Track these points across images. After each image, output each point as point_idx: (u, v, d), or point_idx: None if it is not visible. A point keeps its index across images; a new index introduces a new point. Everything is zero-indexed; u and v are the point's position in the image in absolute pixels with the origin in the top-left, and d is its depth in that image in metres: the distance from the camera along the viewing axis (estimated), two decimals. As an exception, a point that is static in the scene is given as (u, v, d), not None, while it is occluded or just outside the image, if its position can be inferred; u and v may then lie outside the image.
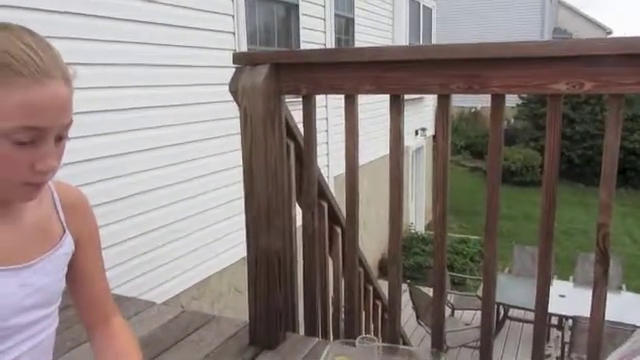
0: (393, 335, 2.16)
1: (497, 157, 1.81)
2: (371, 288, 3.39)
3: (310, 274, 2.36)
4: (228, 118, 3.52)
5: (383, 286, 2.99)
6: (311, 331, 2.38)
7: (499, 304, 5.94)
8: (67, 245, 1.04)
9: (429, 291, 5.16)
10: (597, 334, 1.78)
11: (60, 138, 0.87)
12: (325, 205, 2.52)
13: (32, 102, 0.80)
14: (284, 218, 2.21)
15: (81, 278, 1.12)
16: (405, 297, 6.13)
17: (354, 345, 1.67)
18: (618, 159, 1.65)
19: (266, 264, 2.14)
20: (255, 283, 2.18)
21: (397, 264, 2.12)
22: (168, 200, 3.70)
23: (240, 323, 2.39)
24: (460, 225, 10.35)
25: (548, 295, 1.89)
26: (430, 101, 10.44)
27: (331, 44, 6.39)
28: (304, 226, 2.33)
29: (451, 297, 6.28)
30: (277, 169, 2.10)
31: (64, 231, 1.04)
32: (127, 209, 3.36)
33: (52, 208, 1.04)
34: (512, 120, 17.24)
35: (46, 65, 0.82)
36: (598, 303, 1.78)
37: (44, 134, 0.84)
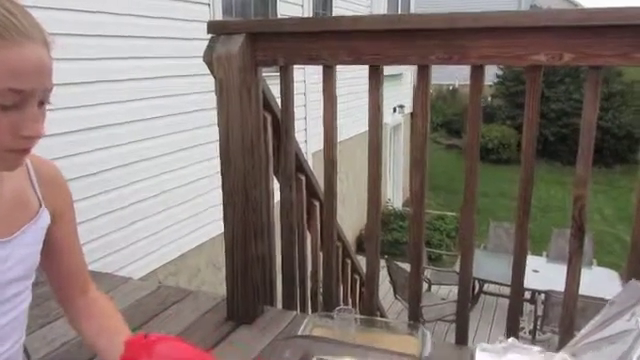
0: (371, 308, 2.16)
1: (476, 129, 1.81)
2: (349, 262, 3.40)
3: (288, 248, 2.34)
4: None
5: (361, 262, 3.00)
6: (289, 305, 2.38)
7: (475, 279, 6.03)
8: (44, 218, 1.03)
9: (406, 267, 5.23)
10: (571, 306, 1.80)
11: (42, 103, 0.86)
12: (303, 178, 2.51)
13: (15, 64, 0.79)
14: (261, 191, 2.18)
15: (57, 252, 1.10)
16: (382, 273, 6.19)
17: (332, 317, 1.67)
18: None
19: (243, 238, 2.12)
20: (232, 257, 2.16)
21: (375, 237, 2.12)
22: (143, 175, 3.64)
23: (218, 298, 2.37)
24: (437, 202, 10.45)
25: (524, 268, 1.91)
26: (409, 77, 10.43)
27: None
28: (282, 199, 2.31)
29: (428, 272, 6.36)
30: (254, 141, 2.07)
31: (40, 204, 1.03)
32: (100, 184, 3.29)
33: (27, 180, 1.02)
34: (489, 98, 17.34)
35: (27, 28, 0.81)
36: (573, 276, 1.80)
37: (28, 97, 0.82)
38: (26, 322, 1.07)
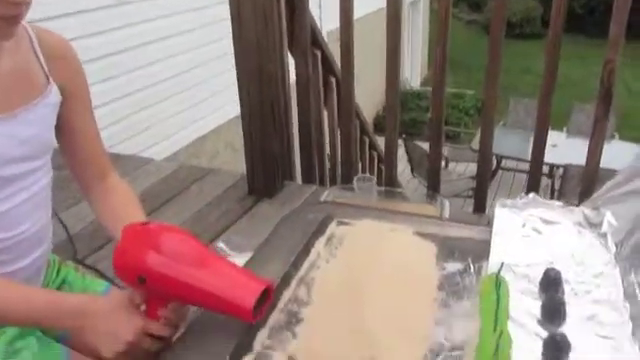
0: (390, 180, 2.18)
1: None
2: (367, 140, 3.39)
3: (305, 124, 2.33)
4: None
5: (380, 142, 2.98)
6: (309, 179, 2.42)
7: (493, 155, 6.04)
8: (53, 95, 0.99)
9: (424, 145, 5.21)
10: (592, 173, 1.79)
11: None
12: (319, 53, 2.42)
13: None
14: (276, 66, 2.12)
15: (71, 133, 1.07)
16: (400, 152, 6.22)
17: (352, 190, 1.69)
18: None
19: (260, 113, 2.10)
20: (250, 133, 2.16)
21: (394, 109, 2.08)
22: (159, 56, 3.56)
23: (238, 175, 2.41)
24: (456, 80, 10.19)
25: (546, 139, 1.88)
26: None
27: None
28: (297, 75, 2.25)
29: (445, 150, 6.36)
30: (266, 13, 1.97)
31: (48, 80, 0.98)
32: (117, 66, 3.23)
33: (32, 55, 0.97)
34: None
35: None
36: (596, 142, 1.77)
37: None
38: (49, 199, 1.06)
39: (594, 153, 1.77)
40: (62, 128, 1.06)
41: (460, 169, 6.67)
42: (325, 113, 2.53)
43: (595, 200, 1.09)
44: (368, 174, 3.44)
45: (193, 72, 3.88)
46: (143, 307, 0.88)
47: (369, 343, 0.84)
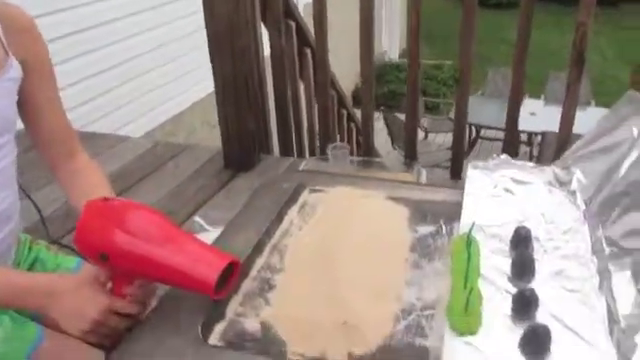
0: (367, 149, 2.18)
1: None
2: (345, 112, 3.38)
3: (281, 97, 2.30)
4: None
5: (358, 115, 2.96)
6: (286, 152, 2.40)
7: (471, 125, 6.06)
8: (13, 70, 0.96)
9: (403, 117, 5.20)
10: (566, 134, 1.80)
11: None
12: (293, 25, 2.38)
13: None
14: (249, 38, 2.08)
15: (34, 109, 1.04)
16: (379, 125, 6.20)
17: (328, 160, 1.68)
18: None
19: (234, 87, 2.07)
20: (224, 107, 2.13)
21: (369, 79, 2.06)
22: (133, 30, 3.47)
23: (214, 150, 2.38)
24: (434, 52, 10.16)
25: (519, 106, 1.88)
26: None
27: None
28: (271, 47, 2.22)
29: (425, 121, 6.37)
30: (236, -18, 1.93)
31: (7, 54, 0.95)
32: (90, 41, 3.15)
33: None
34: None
35: None
36: (570, 105, 1.78)
37: None
38: (14, 178, 1.04)
39: (567, 116, 1.78)
40: (25, 105, 1.02)
41: (440, 140, 6.69)
42: (301, 85, 2.51)
43: (565, 159, 1.10)
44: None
45: (167, 48, 3.80)
46: (109, 285, 0.87)
47: (342, 307, 0.84)
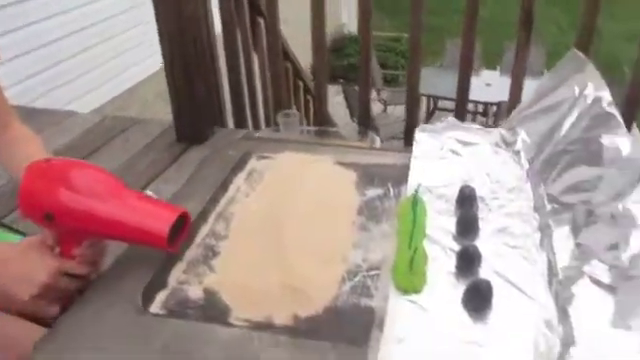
0: (321, 117, 2.16)
1: None
2: (301, 83, 3.34)
3: (234, 67, 2.25)
4: None
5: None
6: (240, 124, 2.36)
7: (429, 96, 6.11)
8: None
9: (362, 89, 5.18)
10: (516, 98, 1.82)
11: None
12: (244, -9, 2.33)
13: None
14: (197, 5, 2.02)
15: None
16: (339, 99, 6.19)
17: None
18: None
19: (183, 58, 2.01)
20: (174, 79, 2.07)
21: (322, 45, 2.03)
22: (78, 2, 3.32)
23: (166, 123, 2.32)
24: (392, 24, 10.15)
25: (469, 77, 1.89)
26: None
27: None
28: (222, 14, 2.16)
29: (383, 93, 6.38)
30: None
31: None
32: (29, 13, 3.00)
33: None
34: None
35: None
36: (519, 68, 1.79)
37: None
38: None
39: (517, 82, 1.80)
40: None
41: (399, 112, 6.72)
42: (255, 56, 2.46)
43: (511, 120, 1.10)
44: (305, 121, 3.40)
45: (117, 19, 3.67)
46: (57, 249, 0.85)
47: (288, 271, 0.83)
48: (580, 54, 1.02)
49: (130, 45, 3.81)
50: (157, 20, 1.97)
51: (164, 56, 2.03)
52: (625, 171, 0.80)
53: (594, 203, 0.80)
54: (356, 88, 5.90)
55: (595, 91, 0.93)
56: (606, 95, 0.91)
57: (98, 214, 0.80)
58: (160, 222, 0.81)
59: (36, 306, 0.82)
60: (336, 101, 6.14)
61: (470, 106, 6.14)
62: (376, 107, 6.25)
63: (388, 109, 6.49)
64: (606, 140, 0.85)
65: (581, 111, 0.94)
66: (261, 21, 2.53)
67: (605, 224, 0.76)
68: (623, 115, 1.40)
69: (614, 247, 0.73)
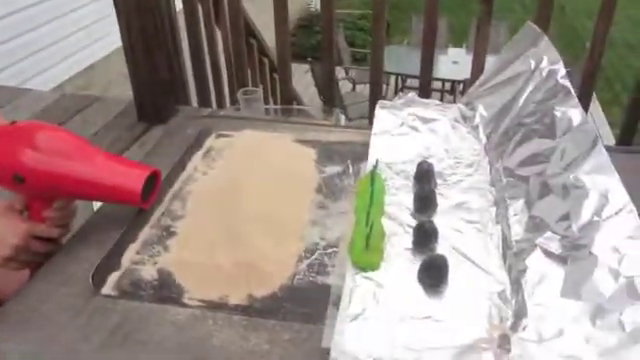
0: (286, 95, 2.13)
1: None
2: (267, 61, 3.29)
3: (196, 45, 2.20)
4: None
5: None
6: (205, 103, 2.32)
7: (397, 74, 6.11)
8: None
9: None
10: (478, 74, 1.82)
11: None
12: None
13: None
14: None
15: None
16: (307, 78, 6.13)
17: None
18: None
19: (143, 35, 1.95)
20: (133, 55, 2.01)
21: (285, 29, 1.99)
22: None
23: (127, 101, 2.26)
24: (362, 1, 10.08)
25: (432, 54, 1.89)
26: None
27: None
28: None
29: (352, 72, 6.35)
30: None
31: None
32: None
33: None
34: None
35: None
36: (482, 43, 1.80)
37: None
38: None
39: (478, 59, 1.81)
40: None
41: (368, 91, 6.72)
42: (219, 33, 2.41)
43: (470, 95, 1.10)
44: (271, 100, 3.36)
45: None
46: (26, 213, 0.85)
47: (244, 250, 0.82)
48: (535, 27, 1.02)
49: (90, 20, 3.68)
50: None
51: (122, 31, 1.96)
52: (577, 142, 0.80)
53: (548, 175, 0.81)
54: (324, 66, 5.85)
55: (550, 64, 0.94)
56: (560, 68, 0.92)
57: (69, 174, 0.81)
58: (133, 179, 0.83)
59: (7, 269, 0.82)
60: (307, 80, 6.09)
61: (437, 84, 6.18)
62: (345, 86, 6.23)
63: (357, 88, 6.47)
64: (559, 112, 0.86)
65: (536, 84, 0.94)
66: (224, -3, 2.48)
67: (557, 195, 0.77)
68: (583, 87, 1.42)
69: (565, 218, 0.73)
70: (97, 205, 0.95)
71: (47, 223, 0.84)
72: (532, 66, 0.97)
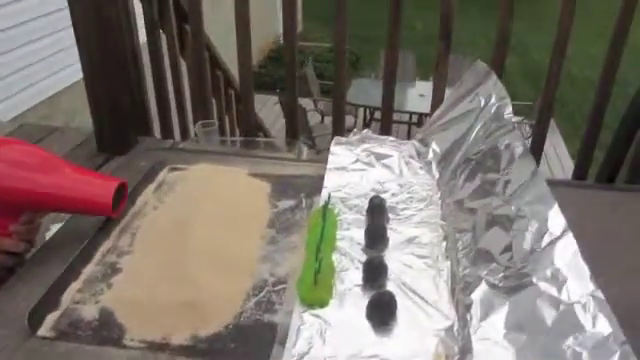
0: (248, 124, 2.13)
1: None
2: (232, 92, 3.30)
3: (159, 74, 2.19)
4: None
5: (260, 99, 2.89)
6: (167, 134, 2.29)
7: (366, 107, 6.20)
8: None
9: (300, 100, 5.17)
10: (438, 102, 1.85)
11: None
12: (169, -3, 2.27)
13: None
14: (118, 8, 1.94)
15: None
16: (276, 109, 6.15)
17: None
18: None
19: (101, 60, 1.92)
20: (93, 86, 1.98)
21: (248, 64, 2.00)
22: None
23: (88, 132, 2.22)
24: (330, 35, 10.27)
25: (393, 87, 1.92)
26: None
27: None
28: (146, 20, 2.10)
29: (321, 104, 6.41)
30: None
31: None
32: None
33: None
34: None
35: None
36: (440, 79, 1.83)
37: None
38: None
39: (437, 94, 1.84)
40: None
41: (337, 122, 6.78)
42: (184, 64, 2.40)
43: (424, 131, 1.12)
44: (238, 131, 3.35)
45: (39, 21, 3.49)
46: None
47: (190, 287, 0.80)
48: (484, 65, 1.05)
49: (54, 50, 3.64)
50: (73, 23, 1.88)
51: (82, 62, 1.93)
52: (519, 173, 0.82)
53: (493, 207, 0.82)
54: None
55: (498, 101, 0.96)
56: (508, 104, 0.94)
57: (34, 188, 0.80)
58: (103, 190, 0.85)
59: None
60: (276, 111, 6.11)
61: (405, 117, 6.28)
62: (314, 117, 6.27)
63: (326, 119, 6.53)
64: (502, 145, 0.87)
65: (485, 121, 0.96)
66: (189, 28, 2.48)
67: (501, 227, 0.78)
68: (540, 116, 1.45)
69: (508, 249, 0.74)
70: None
71: (13, 237, 0.83)
72: (482, 103, 0.99)
